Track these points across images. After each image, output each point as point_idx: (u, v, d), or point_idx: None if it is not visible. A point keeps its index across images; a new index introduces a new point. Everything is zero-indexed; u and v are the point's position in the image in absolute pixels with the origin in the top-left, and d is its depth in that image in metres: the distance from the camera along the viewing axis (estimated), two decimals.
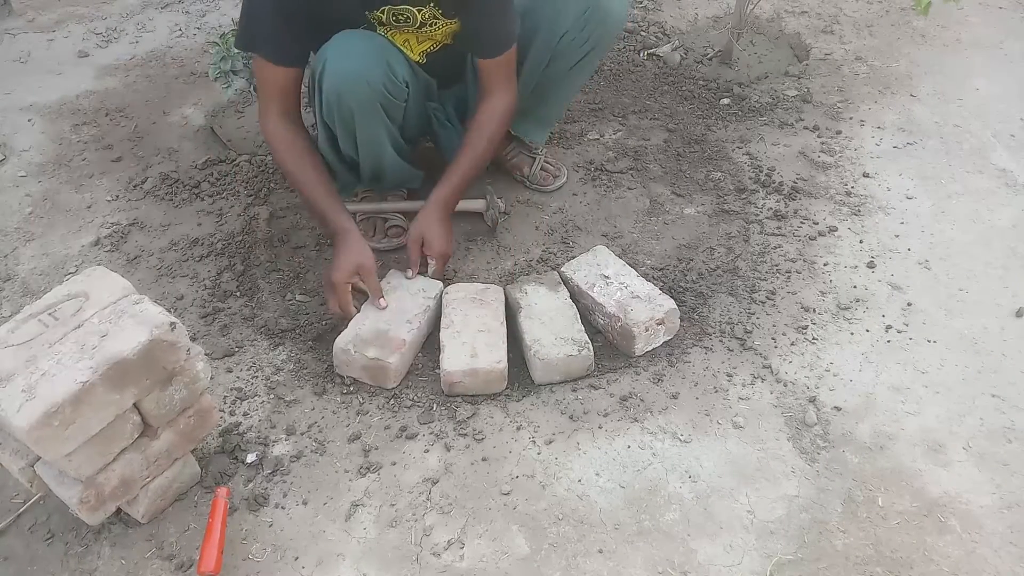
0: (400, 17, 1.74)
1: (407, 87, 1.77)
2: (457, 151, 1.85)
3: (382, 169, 1.91)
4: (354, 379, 1.69)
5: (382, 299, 1.74)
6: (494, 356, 1.64)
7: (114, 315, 1.30)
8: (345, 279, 1.70)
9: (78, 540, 1.43)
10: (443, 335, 1.70)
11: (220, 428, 1.60)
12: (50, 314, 1.30)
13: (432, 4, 1.72)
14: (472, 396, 1.66)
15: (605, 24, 1.88)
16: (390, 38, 1.80)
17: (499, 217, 2.00)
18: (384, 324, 1.70)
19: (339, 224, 1.73)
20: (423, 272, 1.84)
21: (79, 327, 1.28)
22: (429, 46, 1.85)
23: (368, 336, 1.68)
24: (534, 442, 1.58)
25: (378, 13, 1.73)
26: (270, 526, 1.46)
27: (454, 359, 1.64)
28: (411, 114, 1.87)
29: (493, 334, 1.69)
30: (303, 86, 1.79)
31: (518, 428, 1.60)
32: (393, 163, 1.90)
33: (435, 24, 1.78)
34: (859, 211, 2.09)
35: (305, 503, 1.49)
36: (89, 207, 2.14)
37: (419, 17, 1.74)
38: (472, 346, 1.66)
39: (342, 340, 1.68)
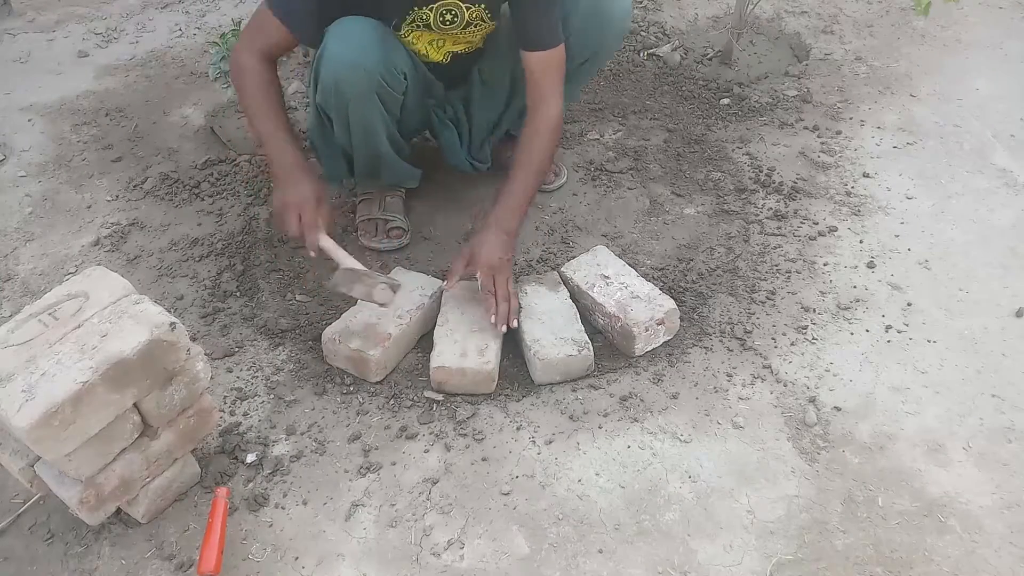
0: (447, 16, 1.73)
1: (405, 79, 1.76)
2: (512, 168, 1.76)
3: (378, 162, 1.89)
4: (353, 377, 1.69)
5: (314, 246, 1.66)
6: (483, 357, 1.64)
7: (114, 315, 1.30)
8: (286, 210, 1.67)
9: (78, 540, 1.43)
10: (436, 333, 1.70)
11: (220, 428, 1.60)
12: (50, 314, 1.30)
13: (482, 4, 1.71)
14: (472, 396, 1.66)
15: (604, 32, 1.86)
16: (414, 39, 1.79)
17: (381, 295, 1.66)
18: (374, 318, 1.71)
19: (284, 156, 1.70)
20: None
21: (79, 327, 1.28)
22: (463, 48, 1.84)
23: (356, 328, 1.69)
24: (534, 442, 1.58)
25: (427, 10, 1.71)
26: (270, 526, 1.46)
27: (442, 357, 1.65)
28: (409, 108, 1.86)
29: (486, 334, 1.69)
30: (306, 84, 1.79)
31: (518, 428, 1.61)
32: (389, 157, 1.89)
33: (480, 25, 1.78)
34: (859, 211, 2.09)
35: (305, 503, 1.49)
36: (89, 207, 2.14)
37: (467, 16, 1.74)
38: (463, 345, 1.66)
39: (330, 330, 1.70)
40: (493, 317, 1.68)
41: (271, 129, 1.71)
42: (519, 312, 1.73)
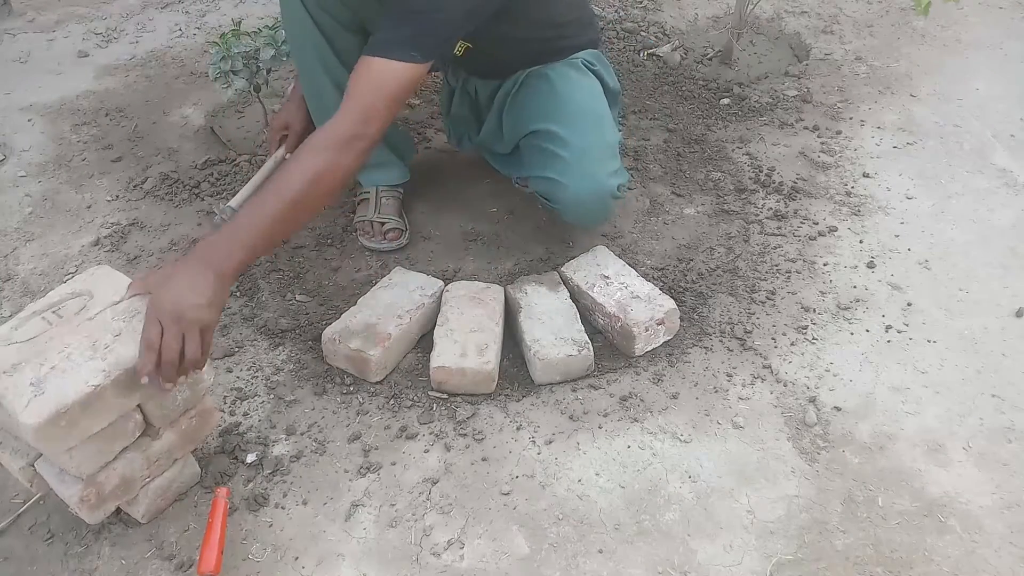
0: None
1: (353, 14, 1.74)
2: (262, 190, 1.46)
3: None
4: (353, 377, 1.70)
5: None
6: (483, 357, 1.64)
7: (128, 314, 1.29)
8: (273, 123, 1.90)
9: (78, 540, 1.43)
10: (436, 332, 1.70)
11: (220, 428, 1.60)
12: (54, 312, 1.29)
13: None
14: (472, 396, 1.66)
15: (561, 200, 1.78)
16: None
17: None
18: (375, 318, 1.71)
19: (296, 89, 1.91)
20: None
21: (91, 319, 1.28)
22: (461, 48, 1.80)
23: (356, 328, 1.69)
24: (534, 442, 1.58)
25: None
26: (270, 526, 1.46)
27: (442, 357, 1.65)
28: None
29: (486, 334, 1.69)
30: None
31: (518, 428, 1.61)
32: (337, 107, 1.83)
33: None
34: (859, 211, 2.09)
35: (305, 503, 1.49)
36: (89, 207, 2.14)
37: None
38: (463, 345, 1.66)
39: (330, 330, 1.69)
40: (145, 378, 1.22)
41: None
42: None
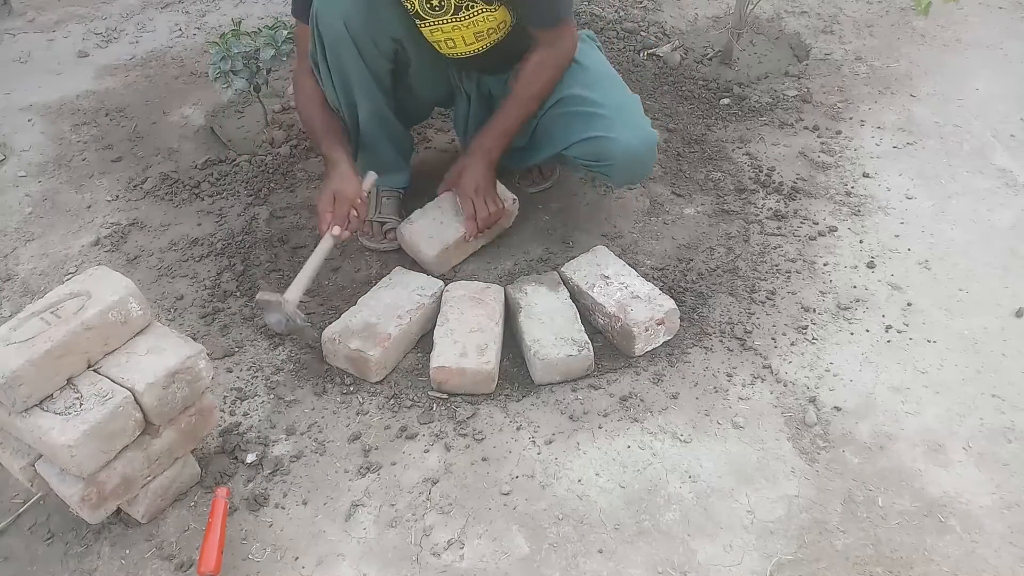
0: (434, 2, 1.72)
1: (396, 44, 1.76)
2: (503, 100, 1.86)
3: (355, 129, 1.90)
4: (353, 377, 1.70)
5: (339, 228, 1.73)
6: (483, 357, 1.64)
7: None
8: (325, 205, 1.75)
9: (78, 540, 1.43)
10: (436, 333, 1.70)
11: (220, 428, 1.60)
12: (52, 312, 1.30)
13: None
14: (472, 396, 1.66)
15: (612, 155, 1.79)
16: (428, 32, 1.79)
17: (292, 328, 1.69)
18: (374, 318, 1.71)
19: (330, 155, 1.82)
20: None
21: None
22: (482, 45, 1.82)
23: (356, 328, 1.69)
24: (534, 442, 1.58)
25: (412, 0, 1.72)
26: (270, 526, 1.46)
27: (443, 357, 1.65)
28: (414, 86, 1.89)
29: (486, 334, 1.69)
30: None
31: (518, 428, 1.61)
32: (370, 135, 1.90)
33: (473, 10, 1.73)
34: (859, 211, 2.09)
35: (305, 503, 1.49)
36: (89, 207, 2.14)
37: (453, 2, 1.71)
38: (463, 345, 1.66)
39: (330, 330, 1.70)
40: (470, 237, 1.87)
41: (320, 134, 1.85)
42: (499, 226, 1.93)
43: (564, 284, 1.82)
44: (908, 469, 1.54)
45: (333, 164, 1.80)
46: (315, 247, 1.73)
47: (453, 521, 1.46)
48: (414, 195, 2.10)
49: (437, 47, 1.84)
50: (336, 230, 1.72)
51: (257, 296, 1.72)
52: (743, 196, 2.14)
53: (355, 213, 1.75)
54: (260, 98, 2.26)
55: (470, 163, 1.88)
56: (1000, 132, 2.34)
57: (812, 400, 1.65)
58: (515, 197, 1.97)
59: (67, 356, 1.28)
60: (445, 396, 1.66)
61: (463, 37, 1.80)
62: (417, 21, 1.77)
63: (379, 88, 1.83)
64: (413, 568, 1.39)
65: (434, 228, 1.91)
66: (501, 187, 1.95)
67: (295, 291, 1.66)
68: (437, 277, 1.86)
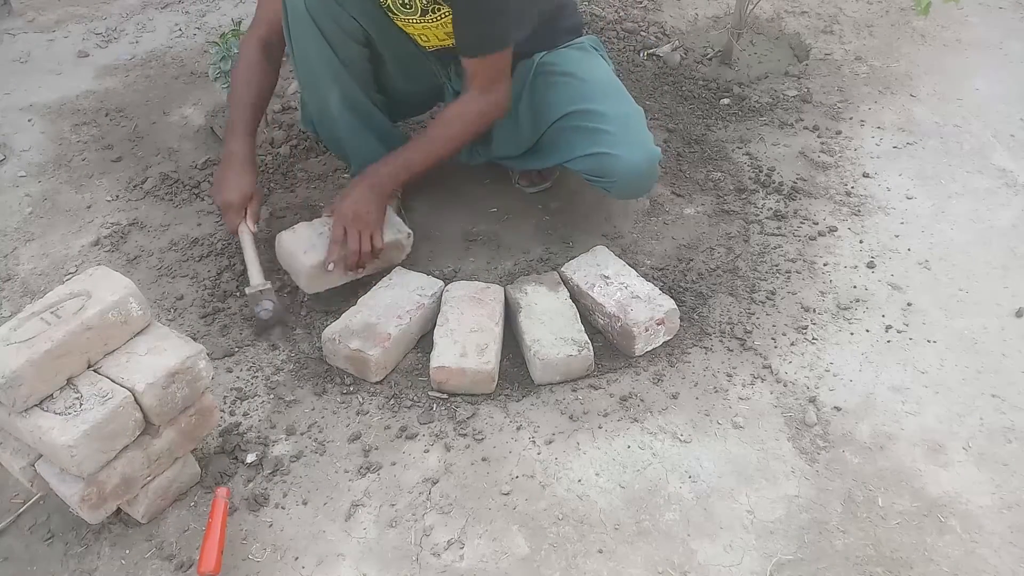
0: (404, 1, 1.72)
1: (360, 26, 1.75)
2: (416, 134, 1.83)
3: (330, 122, 1.87)
4: (353, 377, 1.70)
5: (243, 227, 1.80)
6: (483, 357, 1.64)
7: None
8: (222, 202, 1.80)
9: (78, 540, 1.43)
10: (436, 333, 1.70)
11: (220, 428, 1.60)
12: (52, 312, 1.30)
13: None
14: (472, 396, 1.66)
15: (615, 172, 1.78)
16: (403, 24, 1.78)
17: (268, 318, 1.75)
18: (374, 318, 1.71)
19: (228, 145, 1.83)
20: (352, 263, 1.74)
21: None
22: (449, 43, 1.80)
23: (356, 328, 1.69)
24: (534, 442, 1.58)
25: None
26: (270, 526, 1.46)
27: (442, 357, 1.65)
28: (393, 77, 1.87)
29: (486, 334, 1.69)
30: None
31: (518, 428, 1.61)
32: (344, 124, 1.87)
33: (439, 13, 1.73)
34: (859, 211, 2.09)
35: (305, 503, 1.49)
36: (89, 207, 2.14)
37: (419, 3, 1.71)
38: (463, 345, 1.66)
39: (330, 330, 1.70)
40: (330, 265, 1.72)
41: (233, 118, 1.84)
42: (379, 264, 1.81)
43: (564, 284, 1.82)
44: (908, 469, 1.54)
45: (228, 156, 1.81)
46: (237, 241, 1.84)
47: (453, 521, 1.46)
48: (413, 196, 2.10)
49: (414, 40, 1.84)
50: (244, 227, 1.80)
51: (247, 292, 1.77)
52: (743, 196, 2.14)
53: (252, 209, 1.82)
54: None
55: (356, 188, 1.76)
56: (1000, 132, 2.34)
57: (812, 400, 1.65)
58: (411, 232, 1.86)
59: (67, 356, 1.28)
60: (445, 396, 1.66)
61: (435, 34, 1.80)
62: (390, 14, 1.77)
63: (350, 74, 1.80)
64: (413, 568, 1.39)
65: (318, 240, 1.78)
66: (396, 220, 1.87)
67: (258, 276, 1.77)
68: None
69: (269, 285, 1.77)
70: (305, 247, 1.77)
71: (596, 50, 1.93)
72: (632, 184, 1.82)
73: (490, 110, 1.79)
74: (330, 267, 1.72)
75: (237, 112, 1.84)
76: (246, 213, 1.82)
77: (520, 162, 2.00)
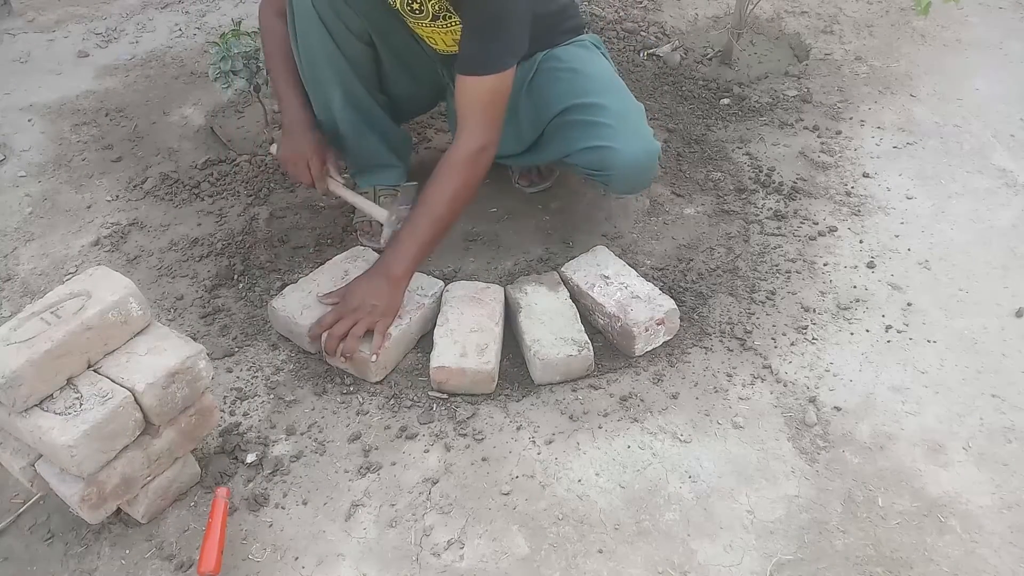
0: (415, 5, 1.71)
1: (366, 25, 1.75)
2: (413, 207, 1.73)
3: (333, 120, 1.87)
4: (353, 377, 1.70)
5: (324, 191, 1.88)
6: (483, 357, 1.64)
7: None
8: (290, 162, 1.85)
9: (78, 540, 1.43)
10: (436, 333, 1.70)
11: (220, 428, 1.60)
12: (52, 312, 1.30)
13: None
14: (472, 396, 1.66)
15: (613, 166, 1.76)
16: (413, 25, 1.79)
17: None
18: None
19: (288, 113, 1.85)
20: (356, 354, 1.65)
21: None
22: (455, 50, 1.78)
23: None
24: (534, 442, 1.58)
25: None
26: (270, 526, 1.46)
27: (442, 357, 1.65)
28: (396, 76, 1.86)
29: (486, 334, 1.69)
30: None
31: (518, 428, 1.61)
32: (347, 119, 1.86)
33: (450, 20, 1.73)
34: (859, 211, 2.09)
35: (305, 503, 1.49)
36: (89, 207, 2.14)
37: (430, 8, 1.71)
38: (463, 345, 1.66)
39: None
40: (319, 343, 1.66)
41: (283, 87, 1.85)
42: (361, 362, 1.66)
43: (564, 284, 1.82)
44: (908, 469, 1.54)
45: (290, 123, 1.84)
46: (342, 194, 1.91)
47: (453, 521, 1.46)
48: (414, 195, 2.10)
49: (421, 41, 1.84)
50: (334, 182, 1.88)
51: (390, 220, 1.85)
52: (743, 196, 2.14)
53: (331, 163, 1.87)
54: (260, 98, 2.26)
55: (368, 278, 1.69)
56: (1000, 132, 2.34)
57: (812, 400, 1.65)
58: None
59: (67, 356, 1.28)
60: (445, 396, 1.66)
61: (443, 39, 1.81)
62: (401, 15, 1.77)
63: (354, 73, 1.80)
64: (413, 568, 1.39)
65: (311, 299, 1.75)
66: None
67: (379, 211, 1.88)
68: None
69: (389, 214, 1.85)
70: (301, 309, 1.73)
71: (597, 48, 1.92)
72: (631, 178, 1.81)
73: (482, 149, 1.67)
74: (312, 338, 1.70)
75: (280, 84, 1.86)
76: (328, 172, 1.87)
77: (520, 159, 1.99)
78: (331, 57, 1.76)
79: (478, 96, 1.64)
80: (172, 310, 1.85)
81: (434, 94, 2.06)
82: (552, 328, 1.70)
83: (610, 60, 1.96)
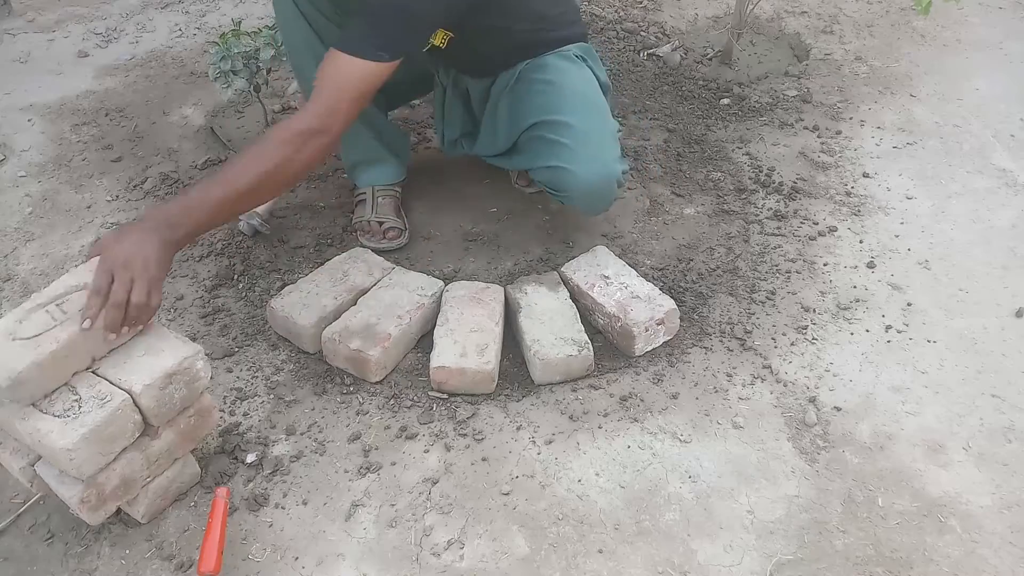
0: None
1: (344, 12, 1.73)
2: (220, 168, 1.53)
3: None
4: (353, 377, 1.70)
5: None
6: (483, 357, 1.64)
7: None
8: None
9: (78, 540, 1.43)
10: (436, 333, 1.70)
11: (220, 428, 1.60)
12: (58, 306, 1.29)
13: None
14: (472, 396, 1.66)
15: (569, 187, 1.76)
16: None
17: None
18: (374, 318, 1.71)
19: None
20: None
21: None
22: (440, 41, 1.77)
23: (356, 328, 1.69)
24: (534, 442, 1.58)
25: None
26: (270, 526, 1.46)
27: (442, 357, 1.65)
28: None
29: (486, 334, 1.69)
30: None
31: (518, 428, 1.61)
32: None
33: None
34: (859, 211, 2.09)
35: (305, 503, 1.49)
36: (89, 207, 2.14)
37: None
38: (463, 345, 1.66)
39: (330, 330, 1.69)
40: (88, 322, 1.26)
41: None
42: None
43: (564, 284, 1.82)
44: (908, 469, 1.54)
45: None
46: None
47: (453, 521, 1.46)
48: (413, 196, 2.10)
49: None
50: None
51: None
52: (743, 196, 2.14)
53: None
54: (260, 98, 2.26)
55: (134, 229, 1.34)
56: (1000, 132, 2.34)
57: (812, 400, 1.65)
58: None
59: (72, 356, 1.28)
60: (445, 396, 1.66)
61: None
62: None
63: None
64: (413, 568, 1.39)
65: (310, 299, 1.73)
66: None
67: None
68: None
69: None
70: (300, 309, 1.72)
71: (583, 59, 1.86)
72: (586, 200, 1.82)
73: (318, 129, 1.47)
74: (85, 325, 1.26)
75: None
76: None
77: (498, 162, 2.00)
78: (312, 46, 1.76)
79: (338, 74, 1.49)
80: (172, 310, 1.85)
81: (421, 81, 2.06)
82: (552, 328, 1.70)
83: (601, 71, 1.91)
